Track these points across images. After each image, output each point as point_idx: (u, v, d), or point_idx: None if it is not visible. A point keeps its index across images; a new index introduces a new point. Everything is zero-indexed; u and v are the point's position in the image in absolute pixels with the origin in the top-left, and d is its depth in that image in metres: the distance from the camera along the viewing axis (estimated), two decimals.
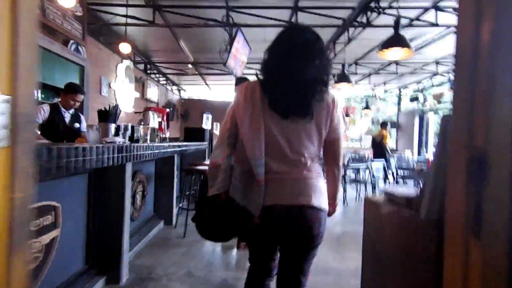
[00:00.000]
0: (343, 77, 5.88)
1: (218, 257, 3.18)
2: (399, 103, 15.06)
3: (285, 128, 1.27)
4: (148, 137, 3.04)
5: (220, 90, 15.28)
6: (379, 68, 10.08)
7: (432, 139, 13.57)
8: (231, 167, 1.32)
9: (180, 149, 3.71)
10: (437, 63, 9.72)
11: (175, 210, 4.09)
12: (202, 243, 3.41)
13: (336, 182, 1.44)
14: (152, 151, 2.61)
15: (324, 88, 1.30)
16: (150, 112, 3.38)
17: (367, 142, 15.37)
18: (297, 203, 1.26)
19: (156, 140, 3.11)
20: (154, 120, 3.64)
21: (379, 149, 8.63)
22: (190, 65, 9.43)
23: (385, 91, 14.00)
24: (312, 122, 1.28)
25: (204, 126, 7.21)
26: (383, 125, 9.41)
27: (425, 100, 12.68)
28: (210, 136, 6.21)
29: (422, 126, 13.44)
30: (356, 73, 9.92)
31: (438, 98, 12.07)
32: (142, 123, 3.26)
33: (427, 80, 12.13)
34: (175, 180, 4.07)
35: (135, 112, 4.50)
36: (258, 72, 1.34)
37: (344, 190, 5.64)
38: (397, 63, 9.68)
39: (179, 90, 14.75)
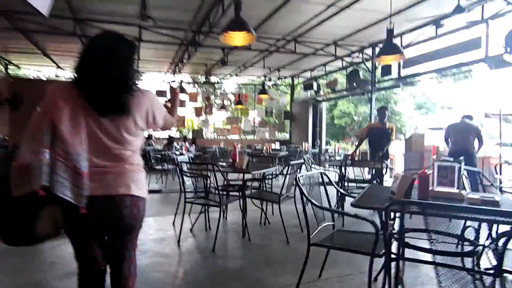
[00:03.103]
0: (238, 23, 3.64)
1: None
2: (292, 93, 14.11)
3: (106, 125, 1.36)
4: None
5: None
6: (276, 45, 8.37)
7: (325, 130, 13.00)
8: (51, 164, 1.28)
9: None
10: (336, 44, 8.61)
11: None
12: None
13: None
14: None
15: (134, 86, 1.42)
16: None
17: (262, 134, 13.97)
18: (118, 193, 1.38)
19: None
20: None
21: (378, 145, 5.22)
22: None
23: (279, 78, 12.69)
24: (130, 118, 1.39)
25: None
26: (383, 110, 5.43)
27: (319, 88, 11.81)
28: None
29: (316, 116, 12.68)
30: (250, 48, 7.98)
31: (332, 86, 11.31)
32: None
33: (321, 68, 11.26)
34: None
35: None
36: (73, 74, 1.40)
37: (244, 213, 3.47)
38: (296, 41, 8.18)
39: (5, 65, 10.25)
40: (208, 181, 3.39)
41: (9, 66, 10.41)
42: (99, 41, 1.42)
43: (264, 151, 7.43)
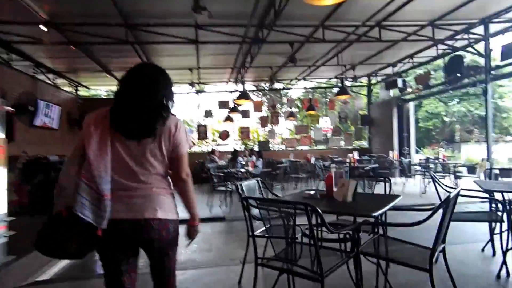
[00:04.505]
0: None
1: None
2: (369, 94, 12.22)
3: (133, 149, 1.44)
4: None
5: None
6: (355, 33, 6.83)
7: (413, 135, 10.79)
8: (77, 185, 1.36)
9: None
10: (433, 25, 6.74)
11: None
12: None
13: (187, 193, 1.56)
14: None
15: (166, 114, 1.47)
16: None
17: (336, 143, 12.25)
18: (144, 217, 1.41)
19: None
20: None
21: None
22: (43, 27, 5.39)
23: (354, 77, 10.97)
24: (156, 143, 1.46)
25: None
26: None
27: (404, 85, 9.81)
28: None
29: (402, 119, 10.60)
30: (324, 40, 6.57)
31: (423, 81, 9.25)
32: None
33: (405, 63, 9.28)
34: None
35: None
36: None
37: (359, 272, 1.96)
38: (380, 25, 6.56)
39: (76, 88, 10.44)
40: (289, 224, 2.04)
41: (79, 88, 10.59)
42: (138, 69, 1.48)
43: (348, 164, 5.87)
